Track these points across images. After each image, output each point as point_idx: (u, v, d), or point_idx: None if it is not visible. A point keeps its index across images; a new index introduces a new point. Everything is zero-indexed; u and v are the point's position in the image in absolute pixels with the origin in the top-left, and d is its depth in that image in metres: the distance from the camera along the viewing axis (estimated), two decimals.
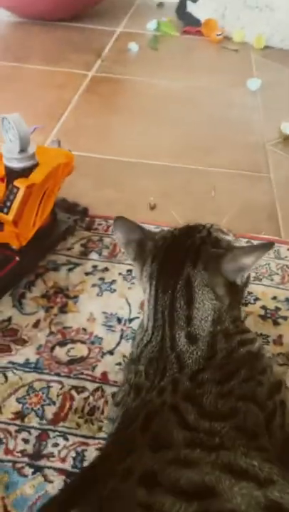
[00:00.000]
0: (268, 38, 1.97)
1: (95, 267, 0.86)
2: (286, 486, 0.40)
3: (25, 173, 0.75)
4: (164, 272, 0.55)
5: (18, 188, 0.73)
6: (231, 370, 0.51)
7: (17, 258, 0.80)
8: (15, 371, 0.67)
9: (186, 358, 0.52)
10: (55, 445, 0.59)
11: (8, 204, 0.73)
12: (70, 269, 0.84)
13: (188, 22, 2.10)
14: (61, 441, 0.59)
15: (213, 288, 0.54)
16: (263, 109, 1.49)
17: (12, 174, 0.74)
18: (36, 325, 0.74)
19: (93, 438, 0.60)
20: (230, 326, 0.55)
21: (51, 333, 0.73)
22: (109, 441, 0.53)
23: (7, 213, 0.73)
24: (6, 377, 0.66)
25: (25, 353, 0.69)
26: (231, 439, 0.43)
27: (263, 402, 0.48)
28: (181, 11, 2.16)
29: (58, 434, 0.60)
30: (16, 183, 0.73)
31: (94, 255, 0.88)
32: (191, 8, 2.10)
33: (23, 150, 0.74)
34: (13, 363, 0.68)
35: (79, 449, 0.59)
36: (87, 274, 0.84)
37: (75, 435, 0.60)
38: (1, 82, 1.58)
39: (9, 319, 0.74)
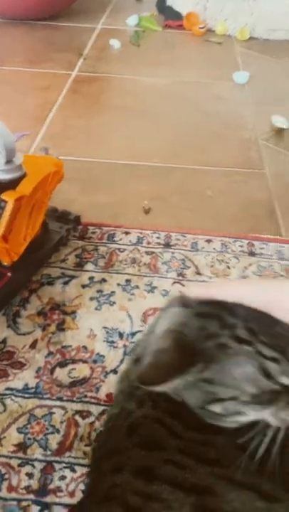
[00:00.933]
0: (251, 29, 1.93)
1: (91, 278, 0.81)
2: None
3: (12, 185, 0.71)
4: None
5: (6, 202, 0.68)
6: None
7: (9, 274, 0.75)
8: (14, 398, 0.62)
9: None
10: (62, 478, 0.55)
11: None
12: (65, 283, 0.80)
13: (169, 16, 2.05)
14: (68, 474, 0.55)
15: None
16: (252, 103, 1.45)
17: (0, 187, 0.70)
18: (34, 345, 0.70)
19: None
20: None
21: (50, 353, 0.69)
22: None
23: None
24: (4, 406, 0.62)
25: (24, 377, 0.65)
26: (230, 456, 0.40)
27: None
28: (162, 4, 2.11)
29: (65, 465, 0.56)
30: (4, 196, 0.69)
31: (90, 266, 0.84)
32: (171, 1, 2.06)
33: (9, 161, 0.69)
34: (11, 389, 0.64)
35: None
36: (83, 286, 0.80)
37: (83, 465, 0.56)
38: None
39: (4, 341, 0.70)
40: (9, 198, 0.68)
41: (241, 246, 0.90)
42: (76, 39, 1.88)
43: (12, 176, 0.71)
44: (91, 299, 0.78)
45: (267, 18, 1.91)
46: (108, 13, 2.19)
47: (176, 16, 2.03)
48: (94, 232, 0.92)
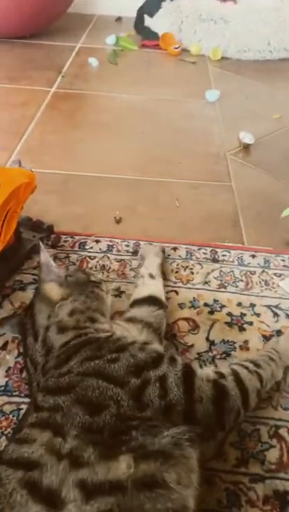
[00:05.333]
0: (224, 50, 2.03)
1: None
2: (98, 468, 0.43)
3: None
4: None
5: None
6: (69, 354, 0.58)
7: None
8: None
9: (37, 357, 0.62)
10: None
11: None
12: (36, 289, 0.84)
13: (147, 36, 2.14)
14: None
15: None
16: (222, 119, 1.53)
17: None
18: (4, 347, 0.74)
19: None
20: (65, 319, 0.64)
21: (20, 354, 0.73)
22: None
23: None
24: None
25: None
26: (71, 415, 0.49)
27: (119, 376, 0.54)
28: (140, 25, 2.20)
29: None
30: None
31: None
32: (148, 22, 2.15)
33: None
34: None
35: None
36: None
37: None
38: None
39: None
40: None
41: (205, 253, 0.95)
42: (56, 57, 1.94)
43: None
44: None
45: (238, 39, 2.01)
46: (88, 32, 2.27)
47: (153, 36, 2.12)
48: (66, 241, 0.96)
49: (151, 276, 0.83)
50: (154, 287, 0.80)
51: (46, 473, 0.43)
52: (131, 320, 0.70)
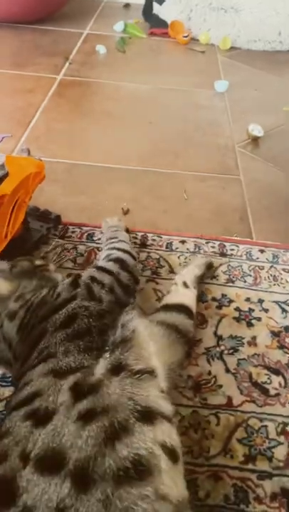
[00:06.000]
0: (233, 40, 2.00)
1: (70, 275, 0.85)
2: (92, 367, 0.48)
3: None
4: None
5: None
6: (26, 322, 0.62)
7: None
8: None
9: (5, 356, 0.63)
10: None
11: None
12: None
13: (155, 24, 2.11)
14: None
15: None
16: (230, 111, 1.51)
17: None
18: None
19: None
20: (11, 305, 0.65)
21: None
22: None
23: None
24: None
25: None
26: (53, 342, 0.54)
27: (67, 300, 0.61)
28: (148, 12, 2.17)
29: None
30: None
31: (69, 263, 0.88)
32: (157, 9, 2.11)
33: None
34: None
35: None
36: None
37: None
38: None
39: None
40: None
41: (213, 247, 0.94)
42: (63, 43, 1.92)
43: None
44: None
45: (248, 29, 1.98)
46: (95, 19, 2.24)
47: (161, 24, 2.08)
48: (74, 232, 0.95)
49: (185, 284, 0.79)
50: (185, 297, 0.77)
51: (44, 395, 0.45)
52: (160, 323, 0.66)
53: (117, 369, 0.48)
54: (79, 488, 0.37)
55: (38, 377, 0.49)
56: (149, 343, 0.52)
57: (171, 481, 0.40)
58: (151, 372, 0.48)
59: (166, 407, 0.46)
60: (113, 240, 0.82)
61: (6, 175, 0.76)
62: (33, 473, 0.38)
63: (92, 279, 0.66)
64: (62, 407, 0.43)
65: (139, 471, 0.38)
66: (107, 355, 0.50)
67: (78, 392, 0.45)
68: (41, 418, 0.43)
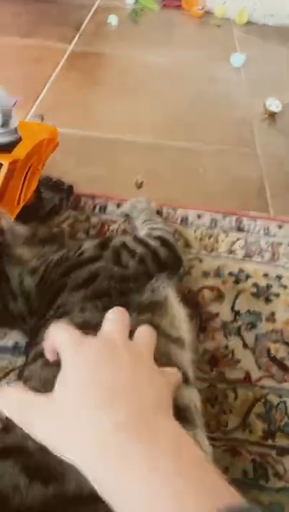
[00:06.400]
0: (250, 14, 1.93)
1: None
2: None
3: (7, 148, 0.71)
4: None
5: (0, 164, 0.69)
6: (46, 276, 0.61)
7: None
8: (4, 355, 0.64)
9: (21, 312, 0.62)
10: None
11: None
12: None
13: None
14: None
15: None
16: (247, 85, 1.46)
17: None
18: None
19: None
20: (33, 262, 0.64)
21: None
22: None
23: None
24: None
25: (14, 336, 0.67)
26: (70, 299, 0.54)
27: (92, 257, 0.60)
28: None
29: None
30: None
31: (81, 235, 0.85)
32: None
33: (4, 124, 0.70)
34: (1, 348, 0.65)
35: None
36: None
37: None
38: None
39: None
40: (4, 160, 0.69)
41: (230, 222, 0.92)
42: (73, 13, 1.85)
43: (7, 139, 0.71)
44: None
45: (265, 3, 1.91)
46: None
47: None
48: (86, 203, 0.93)
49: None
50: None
51: None
52: None
53: None
54: None
55: None
56: (180, 312, 0.51)
57: None
58: (182, 342, 0.46)
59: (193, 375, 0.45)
60: (151, 223, 0.77)
61: (19, 140, 0.73)
62: None
63: (123, 245, 0.63)
64: None
65: None
66: (134, 314, 0.47)
67: None
68: None
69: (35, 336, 0.55)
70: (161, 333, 0.46)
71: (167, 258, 0.64)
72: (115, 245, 0.62)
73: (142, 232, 0.74)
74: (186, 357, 0.47)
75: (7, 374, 0.62)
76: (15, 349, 0.65)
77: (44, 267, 0.60)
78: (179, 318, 0.52)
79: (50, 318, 0.54)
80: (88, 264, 0.58)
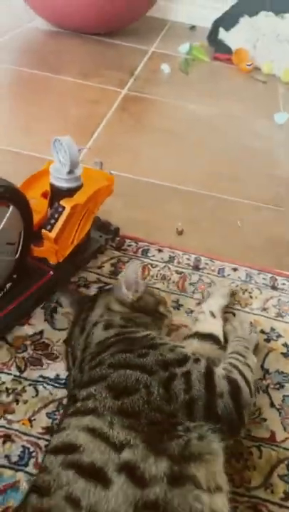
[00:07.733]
0: None
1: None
2: (140, 448, 0.46)
3: (70, 193, 0.78)
4: None
5: (63, 208, 0.75)
6: (102, 349, 0.62)
7: (51, 273, 0.82)
8: (46, 386, 0.69)
9: (76, 350, 0.66)
10: None
11: (52, 222, 0.75)
12: (99, 288, 0.87)
13: (219, 49, 2.15)
14: None
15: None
16: (288, 144, 1.52)
17: (58, 193, 0.77)
18: None
19: None
20: (115, 319, 0.67)
21: None
22: None
23: (50, 230, 0.75)
24: (37, 391, 0.68)
25: (56, 368, 0.71)
26: (102, 399, 0.52)
27: (147, 366, 0.57)
28: (213, 37, 2.21)
29: None
30: (62, 202, 0.76)
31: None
32: (223, 35, 2.15)
33: (71, 171, 0.76)
34: (44, 377, 0.70)
35: None
36: None
37: None
38: (34, 91, 1.62)
39: (41, 333, 0.76)
40: (67, 204, 0.75)
41: (264, 279, 0.96)
42: (129, 58, 1.98)
43: (72, 185, 0.78)
44: None
45: None
46: (161, 38, 2.29)
47: (225, 49, 2.12)
48: (130, 245, 0.98)
49: (213, 314, 0.81)
50: (215, 326, 0.79)
51: (87, 451, 0.46)
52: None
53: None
54: None
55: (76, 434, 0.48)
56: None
57: None
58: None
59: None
60: (239, 358, 0.66)
61: (81, 186, 0.80)
62: None
63: (185, 373, 0.57)
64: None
65: None
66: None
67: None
68: (89, 473, 0.44)
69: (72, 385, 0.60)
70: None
71: (223, 413, 0.55)
72: (182, 369, 0.57)
73: (223, 364, 0.64)
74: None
75: (46, 405, 0.66)
76: (56, 381, 0.70)
77: (114, 332, 0.64)
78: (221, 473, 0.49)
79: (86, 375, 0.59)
80: (137, 371, 0.55)
